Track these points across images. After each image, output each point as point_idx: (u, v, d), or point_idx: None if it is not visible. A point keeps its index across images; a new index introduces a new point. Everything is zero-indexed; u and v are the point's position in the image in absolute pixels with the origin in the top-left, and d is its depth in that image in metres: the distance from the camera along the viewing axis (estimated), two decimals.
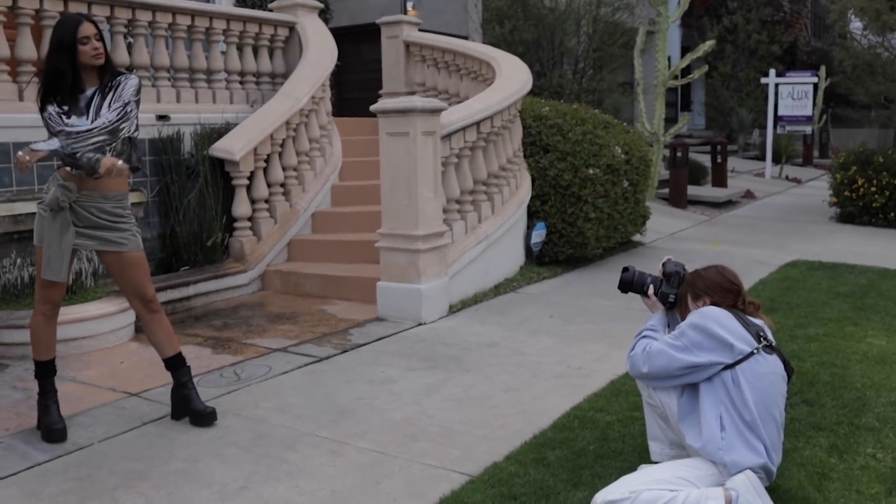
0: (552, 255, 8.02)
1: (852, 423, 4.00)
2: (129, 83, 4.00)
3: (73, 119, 3.88)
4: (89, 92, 3.95)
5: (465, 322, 6.16)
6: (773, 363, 3.12)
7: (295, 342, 5.61)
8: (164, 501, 3.36)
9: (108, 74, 4.01)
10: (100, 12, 6.78)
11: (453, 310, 6.46)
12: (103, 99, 3.96)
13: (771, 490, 3.07)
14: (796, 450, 3.65)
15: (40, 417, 4.05)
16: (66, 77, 3.88)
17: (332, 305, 6.67)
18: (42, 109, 3.91)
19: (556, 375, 4.90)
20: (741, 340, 3.09)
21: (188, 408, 4.19)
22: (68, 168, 3.90)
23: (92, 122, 3.88)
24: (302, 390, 4.66)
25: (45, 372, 4.10)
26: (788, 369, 3.22)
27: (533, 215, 7.95)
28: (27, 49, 6.40)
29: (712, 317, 3.14)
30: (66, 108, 3.89)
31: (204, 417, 4.15)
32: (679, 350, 3.14)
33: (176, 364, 4.25)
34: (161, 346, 4.24)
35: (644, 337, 3.33)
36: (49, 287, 3.99)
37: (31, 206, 5.80)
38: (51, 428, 3.97)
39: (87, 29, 3.88)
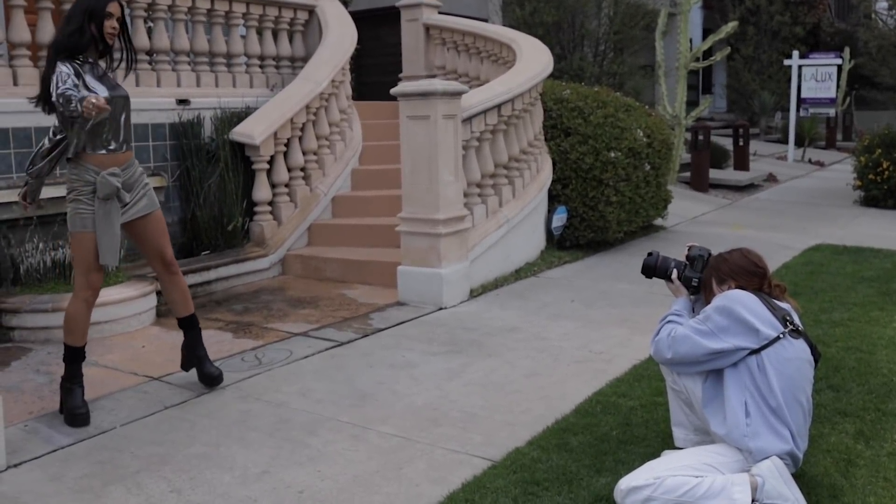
0: (573, 240, 7.97)
1: (879, 408, 3.95)
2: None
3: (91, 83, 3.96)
4: (92, 63, 4.04)
5: (485, 306, 6.14)
6: (799, 348, 3.08)
7: (316, 326, 5.61)
8: (186, 485, 3.37)
9: (108, 58, 4.17)
10: None
11: (474, 294, 6.43)
12: (104, 73, 4.09)
13: (797, 476, 3.03)
14: (822, 436, 3.61)
15: (63, 401, 4.06)
16: (91, 42, 3.96)
17: (353, 290, 6.67)
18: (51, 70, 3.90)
19: (577, 360, 4.87)
20: (767, 325, 3.05)
21: (199, 368, 4.41)
22: (98, 151, 3.95)
23: (108, 91, 3.96)
24: (323, 374, 4.66)
25: (76, 357, 4.12)
26: (815, 354, 3.17)
27: (554, 199, 7.90)
28: (48, 34, 6.39)
29: (739, 300, 3.10)
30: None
31: (212, 379, 4.39)
32: (704, 335, 3.10)
33: (189, 325, 4.42)
34: (176, 306, 4.41)
35: (669, 322, 3.29)
36: (95, 273, 4.06)
37: (52, 191, 5.81)
38: (74, 412, 3.99)
39: (115, 7, 4.00)
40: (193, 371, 4.46)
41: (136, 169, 4.19)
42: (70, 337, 4.10)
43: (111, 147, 4.03)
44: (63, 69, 3.84)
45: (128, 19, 5.61)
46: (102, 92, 3.93)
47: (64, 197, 5.83)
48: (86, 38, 3.95)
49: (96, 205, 3.97)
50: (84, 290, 4.07)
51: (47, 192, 5.79)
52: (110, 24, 3.99)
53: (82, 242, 4.01)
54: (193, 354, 4.44)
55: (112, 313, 5.42)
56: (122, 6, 4.05)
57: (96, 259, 4.02)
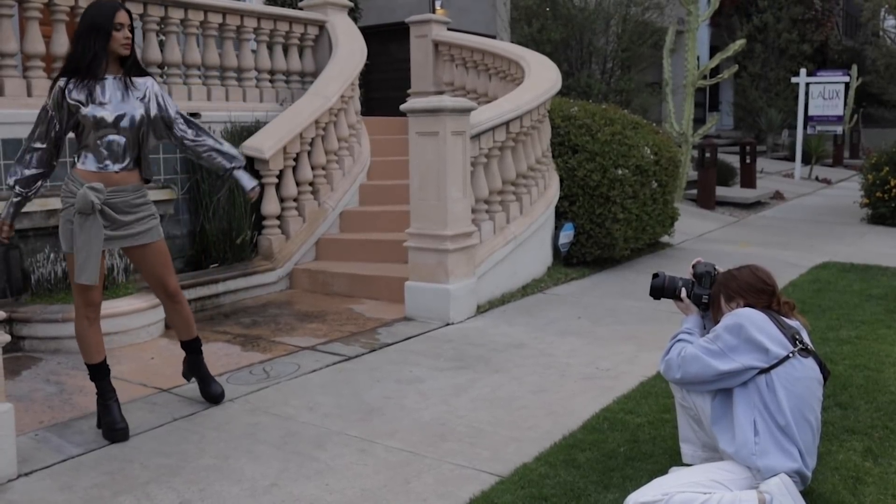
0: (580, 256, 7.99)
1: (887, 426, 3.95)
2: (160, 89, 4.13)
3: (90, 107, 3.89)
4: (108, 80, 3.95)
5: (492, 322, 6.15)
6: (808, 367, 3.09)
7: (323, 341, 5.63)
8: (195, 497, 3.38)
9: (133, 68, 4.04)
10: (133, 9, 6.82)
11: (481, 310, 6.45)
12: (125, 91, 3.98)
13: (805, 494, 3.04)
14: (830, 453, 3.62)
15: (101, 416, 4.03)
16: (98, 59, 3.87)
17: (360, 304, 6.69)
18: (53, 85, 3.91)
19: (584, 377, 4.88)
20: (777, 344, 3.06)
21: (202, 386, 4.42)
22: (89, 167, 3.93)
23: (115, 111, 3.92)
24: (331, 389, 4.68)
25: (100, 373, 4.07)
26: (825, 372, 3.18)
27: (561, 216, 7.92)
28: (62, 46, 6.45)
29: (748, 319, 3.11)
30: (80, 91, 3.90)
31: (213, 398, 4.39)
32: (714, 356, 3.11)
33: (192, 348, 4.41)
34: (178, 331, 4.40)
35: (679, 341, 3.30)
36: (86, 291, 3.97)
37: None
38: (114, 428, 3.96)
39: (123, 16, 3.90)
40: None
41: (137, 197, 4.05)
42: (84, 354, 4.07)
43: (107, 165, 3.94)
44: (48, 102, 3.89)
45: (138, 34, 5.65)
46: (107, 113, 3.88)
47: None
48: (91, 55, 3.85)
49: (75, 219, 3.86)
50: (82, 307, 4.01)
51: (58, 203, 5.85)
52: (122, 35, 3.89)
53: (70, 262, 3.95)
54: (196, 372, 4.46)
55: (121, 325, 5.45)
56: (129, 13, 3.95)
57: None
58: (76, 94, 3.87)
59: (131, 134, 3.99)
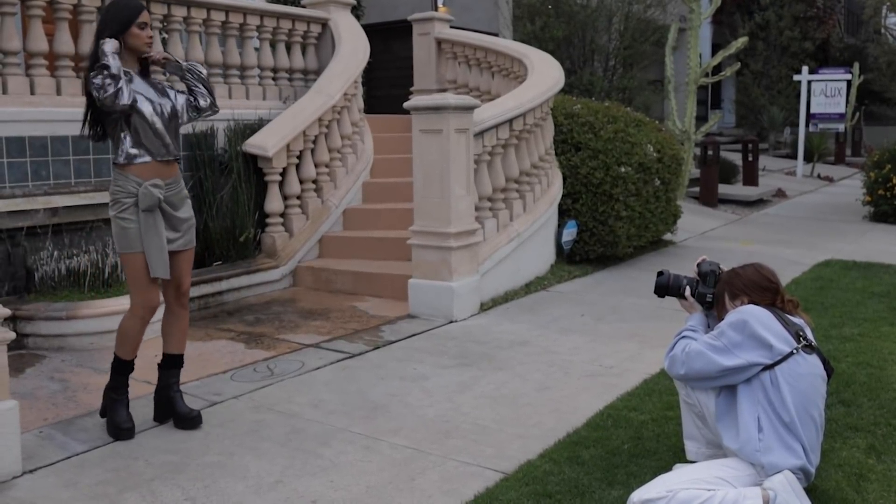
0: (583, 254, 7.99)
1: (890, 423, 3.95)
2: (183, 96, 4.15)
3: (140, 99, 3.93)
4: (133, 78, 3.96)
5: (496, 320, 6.16)
6: (812, 364, 3.10)
7: (327, 338, 5.64)
8: (200, 493, 3.39)
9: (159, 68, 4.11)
10: None
11: (484, 308, 6.46)
12: (154, 85, 4.04)
13: (808, 491, 3.04)
14: (833, 450, 3.62)
15: (108, 413, 4.02)
16: (129, 54, 3.91)
17: (364, 302, 6.70)
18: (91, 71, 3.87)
19: (588, 374, 4.89)
20: (781, 340, 3.07)
21: (174, 410, 4.13)
22: (141, 161, 3.91)
23: (160, 102, 3.98)
24: (335, 386, 4.69)
25: (125, 369, 4.07)
26: (828, 369, 3.19)
27: (564, 213, 7.93)
28: (64, 44, 6.46)
29: (753, 315, 3.12)
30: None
31: (189, 421, 4.08)
32: (718, 352, 3.11)
33: (175, 363, 4.22)
34: (171, 338, 4.22)
35: (683, 337, 3.31)
36: (151, 289, 3.98)
37: (67, 200, 5.88)
38: (120, 427, 3.96)
39: (146, 16, 3.95)
40: (207, 380, 4.47)
41: (182, 189, 4.11)
42: (121, 349, 4.06)
43: (157, 158, 3.95)
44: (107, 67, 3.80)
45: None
46: (151, 95, 3.92)
47: (80, 206, 5.91)
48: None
49: (140, 218, 3.88)
50: (140, 308, 4.01)
51: (62, 201, 5.88)
52: (146, 34, 3.93)
53: (132, 262, 3.93)
54: (167, 395, 4.17)
55: None
56: (149, 13, 4.01)
57: (148, 276, 3.94)
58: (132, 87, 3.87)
59: (172, 125, 4.03)
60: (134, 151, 3.91)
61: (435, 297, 6.17)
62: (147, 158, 3.93)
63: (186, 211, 4.13)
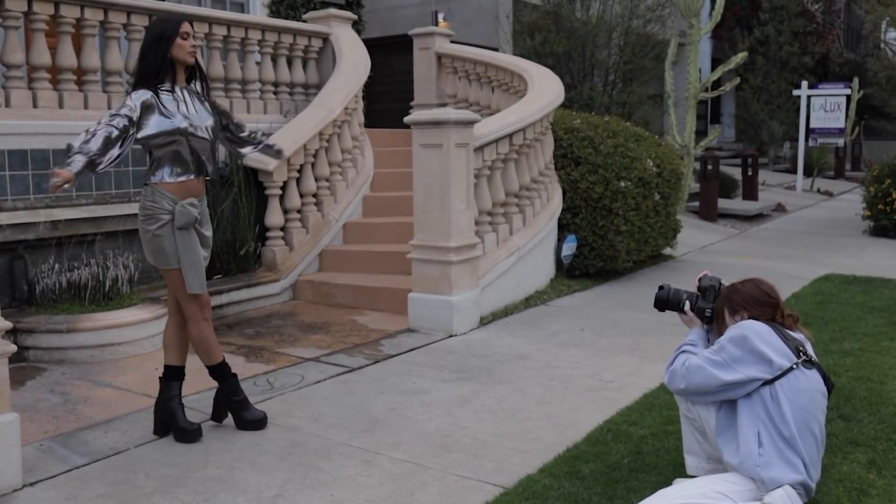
0: (583, 268, 8.00)
1: (890, 438, 3.95)
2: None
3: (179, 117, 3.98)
4: (183, 90, 4.06)
5: (496, 334, 6.16)
6: (812, 378, 3.10)
7: (327, 352, 5.64)
8: None
9: (197, 77, 4.17)
10: (138, 22, 6.87)
11: (484, 322, 6.46)
12: (198, 100, 4.11)
13: None
14: (834, 465, 3.62)
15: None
16: (166, 66, 3.95)
17: (364, 316, 6.70)
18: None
19: (588, 388, 4.89)
20: (781, 355, 3.07)
21: (174, 423, 4.13)
22: (177, 179, 3.95)
23: (200, 120, 4.04)
24: (335, 400, 4.69)
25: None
26: (829, 384, 3.20)
27: (564, 228, 7.94)
28: (67, 57, 6.50)
29: (752, 330, 3.12)
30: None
31: (189, 434, 4.09)
32: (718, 366, 3.12)
33: (176, 376, 4.25)
34: (173, 351, 4.25)
35: (683, 352, 3.31)
36: (198, 295, 4.08)
37: (68, 213, 5.90)
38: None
39: (188, 27, 4.02)
40: (207, 393, 4.48)
41: (206, 206, 4.18)
42: (207, 358, 4.18)
43: (192, 175, 4.02)
44: (128, 103, 3.86)
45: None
46: (178, 120, 3.93)
47: (82, 219, 5.93)
48: (158, 63, 3.93)
49: (176, 236, 3.95)
50: (198, 312, 4.11)
51: (64, 214, 5.89)
52: (189, 44, 3.99)
53: (174, 277, 4.04)
54: (168, 408, 4.17)
55: (125, 335, 5.46)
56: (192, 24, 4.06)
57: None
58: (168, 105, 3.94)
59: (209, 142, 4.09)
60: (170, 169, 3.97)
61: (435, 310, 6.18)
62: (183, 178, 3.99)
63: (209, 228, 4.22)
